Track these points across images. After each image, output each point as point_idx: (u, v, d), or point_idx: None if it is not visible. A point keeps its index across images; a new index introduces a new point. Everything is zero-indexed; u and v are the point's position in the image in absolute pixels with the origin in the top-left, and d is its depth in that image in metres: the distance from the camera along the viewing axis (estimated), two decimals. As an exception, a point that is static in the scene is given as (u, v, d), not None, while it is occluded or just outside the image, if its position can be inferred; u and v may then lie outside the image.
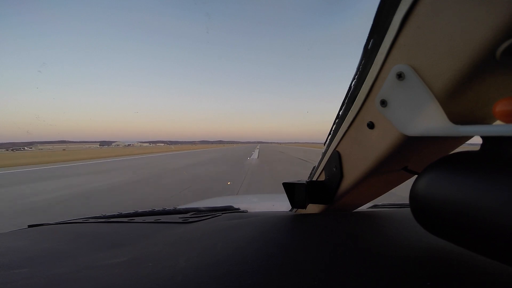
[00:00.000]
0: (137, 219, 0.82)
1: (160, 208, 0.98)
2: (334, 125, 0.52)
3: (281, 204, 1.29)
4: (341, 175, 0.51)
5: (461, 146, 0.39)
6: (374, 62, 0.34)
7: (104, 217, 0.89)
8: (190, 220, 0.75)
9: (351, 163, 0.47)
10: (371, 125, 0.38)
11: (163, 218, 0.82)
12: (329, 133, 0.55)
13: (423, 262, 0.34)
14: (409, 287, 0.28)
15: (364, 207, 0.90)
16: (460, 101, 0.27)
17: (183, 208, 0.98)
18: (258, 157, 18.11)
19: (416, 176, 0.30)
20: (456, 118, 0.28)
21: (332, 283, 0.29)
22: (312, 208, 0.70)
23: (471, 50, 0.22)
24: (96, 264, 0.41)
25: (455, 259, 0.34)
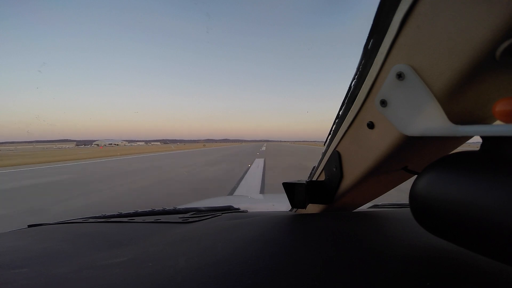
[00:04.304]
0: (137, 219, 0.82)
1: (160, 208, 0.98)
2: (334, 125, 0.52)
3: (281, 204, 1.29)
4: (341, 175, 0.51)
5: (461, 146, 0.39)
6: (374, 62, 0.34)
7: (104, 217, 0.89)
8: (190, 220, 0.75)
9: (351, 163, 0.47)
10: (371, 125, 0.38)
11: (163, 218, 0.82)
12: (329, 133, 0.55)
13: (423, 262, 0.34)
14: (409, 287, 0.28)
15: (364, 207, 0.90)
16: (460, 101, 0.27)
17: (183, 208, 0.98)
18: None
19: (416, 176, 0.30)
20: (456, 118, 0.28)
21: (332, 283, 0.30)
22: (312, 208, 0.70)
23: (471, 50, 0.22)
24: (96, 264, 0.41)
25: (455, 259, 0.34)
